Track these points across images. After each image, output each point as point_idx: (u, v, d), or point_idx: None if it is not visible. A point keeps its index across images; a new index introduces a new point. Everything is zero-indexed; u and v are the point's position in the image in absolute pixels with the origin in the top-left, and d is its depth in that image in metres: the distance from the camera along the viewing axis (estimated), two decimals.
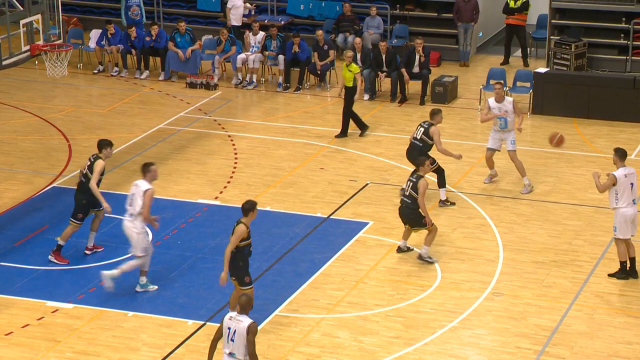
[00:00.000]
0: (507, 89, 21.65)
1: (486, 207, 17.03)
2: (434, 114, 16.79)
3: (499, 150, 17.66)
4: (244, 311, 10.97)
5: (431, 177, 16.53)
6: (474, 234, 16.21)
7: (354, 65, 19.72)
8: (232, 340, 10.88)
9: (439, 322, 13.73)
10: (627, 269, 14.75)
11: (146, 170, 14.39)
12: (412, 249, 15.49)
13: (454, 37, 24.44)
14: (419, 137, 16.70)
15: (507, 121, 17.28)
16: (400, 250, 15.50)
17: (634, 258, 14.77)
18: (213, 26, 25.36)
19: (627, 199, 14.41)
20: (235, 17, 24.17)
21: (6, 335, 13.33)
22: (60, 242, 15.11)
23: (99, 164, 14.99)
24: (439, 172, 16.95)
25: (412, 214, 15.07)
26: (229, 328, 10.93)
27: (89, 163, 15.14)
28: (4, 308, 13.90)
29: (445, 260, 15.36)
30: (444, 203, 16.98)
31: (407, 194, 15.12)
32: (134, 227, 14.19)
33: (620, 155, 14.56)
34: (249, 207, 13.25)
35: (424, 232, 15.19)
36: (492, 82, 19.95)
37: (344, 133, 19.81)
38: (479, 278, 14.88)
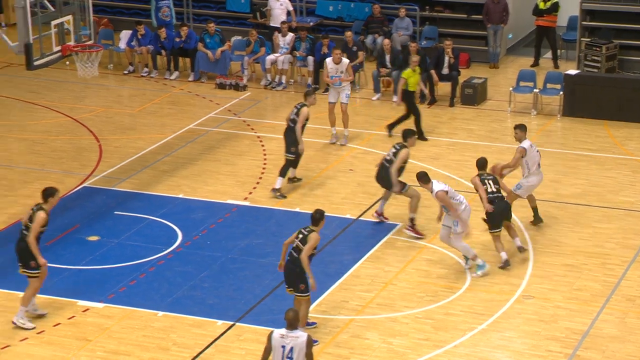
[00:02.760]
0: (537, 90, 21.58)
1: (516, 209, 16.94)
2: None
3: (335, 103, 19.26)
4: (294, 327, 10.83)
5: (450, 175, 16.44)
6: (504, 236, 16.11)
7: (418, 68, 19.72)
8: (290, 357, 10.73)
9: (468, 325, 13.69)
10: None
11: None
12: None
13: (484, 38, 24.36)
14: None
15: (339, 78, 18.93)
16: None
17: (536, 208, 16.18)
18: (242, 27, 25.41)
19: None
20: (273, 19, 24.20)
21: (38, 333, 13.43)
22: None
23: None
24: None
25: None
26: (284, 346, 10.75)
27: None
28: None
29: (475, 263, 15.29)
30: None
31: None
32: None
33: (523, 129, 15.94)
34: (319, 216, 13.25)
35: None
36: (334, 51, 19.86)
37: (422, 136, 19.59)
38: (509, 280, 14.82)
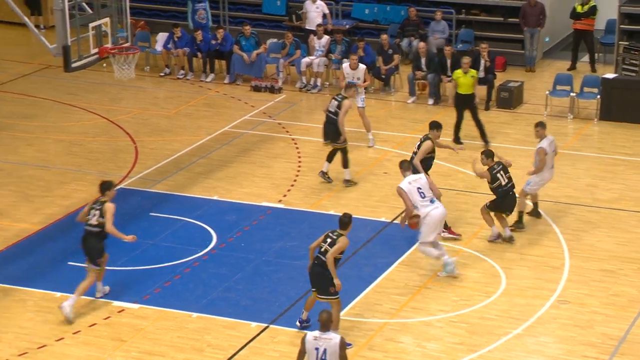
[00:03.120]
0: (574, 94, 21.43)
1: (552, 214, 16.85)
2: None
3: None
4: (327, 328, 10.81)
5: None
6: (539, 240, 16.05)
7: (472, 70, 19.46)
8: (324, 359, 10.75)
9: (503, 329, 13.62)
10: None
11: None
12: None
13: (520, 42, 24.24)
14: (332, 111, 17.39)
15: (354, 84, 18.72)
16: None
17: (537, 203, 16.46)
18: (278, 30, 25.47)
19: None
20: (308, 22, 24.23)
21: (74, 333, 13.52)
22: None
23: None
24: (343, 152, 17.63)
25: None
26: (317, 348, 10.74)
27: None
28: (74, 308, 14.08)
29: (510, 267, 15.23)
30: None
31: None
32: None
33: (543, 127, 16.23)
34: (348, 220, 13.27)
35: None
36: (351, 56, 19.95)
37: (486, 139, 19.42)
38: (544, 285, 14.73)
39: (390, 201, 17.35)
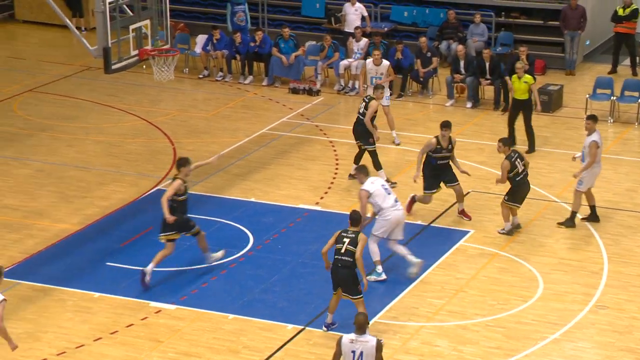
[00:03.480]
0: (615, 98, 21.25)
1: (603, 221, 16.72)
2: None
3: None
4: (363, 330, 10.81)
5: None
6: (578, 245, 15.94)
7: (528, 76, 19.23)
8: None
9: (540, 334, 13.53)
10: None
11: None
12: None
13: (560, 45, 24.08)
14: (361, 112, 17.43)
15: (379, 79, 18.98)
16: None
17: (594, 206, 16.42)
18: (317, 32, 25.50)
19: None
20: (347, 24, 24.24)
21: (111, 334, 13.62)
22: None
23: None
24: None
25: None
26: (353, 351, 10.73)
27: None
28: (110, 307, 14.21)
29: (547, 271, 15.14)
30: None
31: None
32: None
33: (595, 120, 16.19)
34: (359, 216, 13.39)
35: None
36: (374, 52, 19.80)
37: (532, 148, 19.39)
38: (582, 290, 14.62)
39: (427, 204, 17.28)
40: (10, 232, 16.38)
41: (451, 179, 16.50)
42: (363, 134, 17.75)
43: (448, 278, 14.97)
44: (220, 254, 15.27)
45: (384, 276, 14.83)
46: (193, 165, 15.04)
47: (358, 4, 24.20)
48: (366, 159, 17.63)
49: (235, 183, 18.18)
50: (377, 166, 17.80)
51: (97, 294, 14.52)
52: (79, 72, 24.19)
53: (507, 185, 16.08)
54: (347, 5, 24.29)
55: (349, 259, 13.10)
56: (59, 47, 26.07)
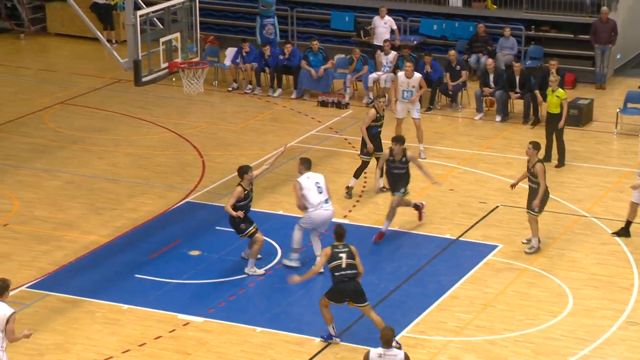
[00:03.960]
0: None
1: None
2: None
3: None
4: (390, 344, 10.91)
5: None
6: (608, 260, 15.83)
7: (561, 90, 19.16)
8: None
9: (570, 350, 13.44)
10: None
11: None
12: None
13: (591, 59, 23.97)
14: None
15: (412, 93, 19.15)
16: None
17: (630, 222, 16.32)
18: (346, 45, 25.54)
19: None
20: (376, 37, 24.26)
21: (140, 346, 13.67)
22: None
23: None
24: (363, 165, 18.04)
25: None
26: None
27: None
28: (138, 319, 14.26)
29: (577, 287, 15.04)
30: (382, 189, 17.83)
31: None
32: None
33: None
34: (343, 231, 13.70)
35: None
36: (406, 64, 19.69)
37: (562, 162, 19.28)
38: (612, 306, 14.51)
39: (455, 218, 17.26)
40: (40, 244, 16.50)
41: (397, 189, 16.57)
42: (363, 143, 18.03)
43: (476, 292, 14.91)
44: (261, 271, 15.42)
45: (295, 264, 15.46)
46: (259, 170, 15.63)
47: (387, 17, 24.21)
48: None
49: (263, 196, 18.21)
50: (356, 174, 18.11)
51: (125, 306, 14.59)
52: (109, 84, 24.35)
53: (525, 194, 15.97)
54: (377, 18, 24.31)
55: (353, 271, 13.33)
56: (90, 59, 26.26)
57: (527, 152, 16.03)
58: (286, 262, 15.48)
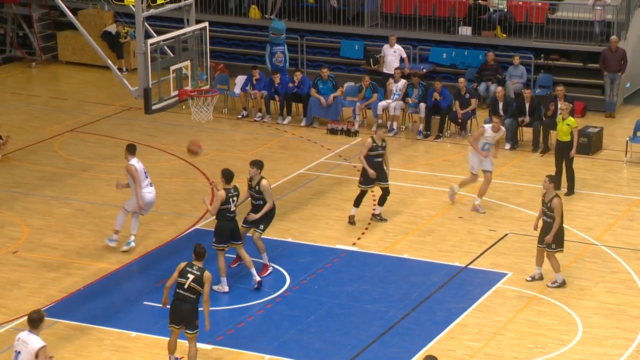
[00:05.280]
0: None
1: (631, 262, 16.54)
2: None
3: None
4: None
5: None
6: (618, 289, 15.77)
7: (571, 118, 19.06)
8: None
9: None
10: None
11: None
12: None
13: (600, 87, 23.99)
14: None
15: (491, 146, 18.78)
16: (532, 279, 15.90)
17: None
18: (355, 73, 25.62)
19: None
20: (386, 65, 24.34)
21: None
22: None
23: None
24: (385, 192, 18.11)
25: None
26: None
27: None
28: (147, 347, 14.23)
29: (587, 315, 14.97)
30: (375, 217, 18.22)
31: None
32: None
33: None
34: (204, 251, 13.51)
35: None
36: (494, 119, 19.19)
37: (571, 190, 19.21)
38: (622, 335, 14.43)
39: (464, 246, 17.23)
40: (50, 271, 16.52)
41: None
42: (363, 172, 18.03)
43: (485, 321, 14.86)
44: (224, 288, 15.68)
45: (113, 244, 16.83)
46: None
47: (397, 46, 24.30)
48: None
49: (273, 223, 18.18)
50: (356, 202, 18.15)
51: (134, 333, 14.56)
52: (119, 112, 24.46)
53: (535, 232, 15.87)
54: (386, 46, 24.40)
55: (192, 295, 13.13)
56: (101, 87, 26.39)
57: (544, 185, 15.75)
58: (112, 244, 16.95)
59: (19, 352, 11.34)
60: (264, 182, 16.01)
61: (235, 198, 15.67)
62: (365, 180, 17.95)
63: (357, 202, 18.16)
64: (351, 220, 18.11)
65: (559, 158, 19.40)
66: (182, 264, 13.36)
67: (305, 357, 13.92)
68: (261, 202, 16.10)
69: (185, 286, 13.20)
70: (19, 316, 15.05)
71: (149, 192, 16.87)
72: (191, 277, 13.20)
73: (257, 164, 16.23)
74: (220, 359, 13.95)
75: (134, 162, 16.79)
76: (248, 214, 16.20)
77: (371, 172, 17.80)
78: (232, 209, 15.56)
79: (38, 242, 17.59)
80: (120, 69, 25.42)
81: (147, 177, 16.91)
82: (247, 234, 16.20)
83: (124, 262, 16.75)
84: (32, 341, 11.32)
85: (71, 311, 15.24)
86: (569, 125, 19.12)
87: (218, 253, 15.61)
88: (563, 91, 21.50)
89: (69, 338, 14.45)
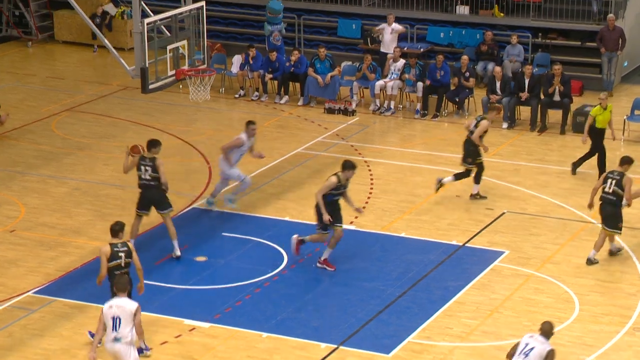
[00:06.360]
0: None
1: (627, 240, 16.56)
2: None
3: None
4: (548, 335, 11.56)
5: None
6: (615, 266, 15.79)
7: (610, 104, 19.03)
8: (526, 354, 11.46)
9: (576, 356, 13.40)
10: None
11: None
12: (597, 261, 15.71)
13: (598, 66, 23.95)
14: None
15: None
16: (590, 262, 15.77)
17: None
18: (353, 52, 25.56)
19: None
20: (383, 45, 24.27)
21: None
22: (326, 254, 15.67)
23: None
24: (480, 168, 17.85)
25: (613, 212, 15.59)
26: (527, 343, 11.55)
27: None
28: (145, 325, 14.15)
29: (583, 293, 15.01)
30: (474, 197, 17.89)
31: (611, 190, 15.54)
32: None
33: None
34: (119, 228, 13.65)
35: None
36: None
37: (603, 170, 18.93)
38: (619, 312, 14.47)
39: (462, 224, 17.24)
40: (47, 250, 16.53)
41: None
42: (471, 152, 17.85)
43: (482, 299, 14.89)
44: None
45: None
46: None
47: (395, 25, 24.23)
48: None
49: (269, 202, 18.23)
50: (476, 179, 18.02)
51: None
52: (116, 91, 24.40)
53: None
54: (384, 25, 24.33)
55: (127, 268, 13.35)
56: (97, 67, 26.33)
57: (620, 167, 15.82)
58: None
59: (118, 318, 12.14)
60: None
61: (148, 167, 15.92)
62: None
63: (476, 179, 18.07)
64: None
65: (599, 145, 19.07)
66: (107, 250, 13.45)
67: (303, 335, 13.95)
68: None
69: (123, 264, 13.40)
70: (17, 294, 15.08)
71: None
72: (122, 254, 13.42)
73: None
74: (218, 336, 13.98)
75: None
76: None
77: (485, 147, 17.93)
78: (142, 177, 15.93)
79: (35, 220, 17.59)
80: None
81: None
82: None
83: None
84: (126, 303, 12.21)
85: (69, 290, 15.26)
86: (611, 111, 18.97)
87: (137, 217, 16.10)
88: (560, 70, 21.49)
89: (67, 316, 14.47)
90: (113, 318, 12.20)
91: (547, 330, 11.65)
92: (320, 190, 15.50)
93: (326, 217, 15.36)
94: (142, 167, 15.95)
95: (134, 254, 13.54)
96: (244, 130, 17.57)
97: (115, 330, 12.18)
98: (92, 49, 27.26)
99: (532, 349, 11.41)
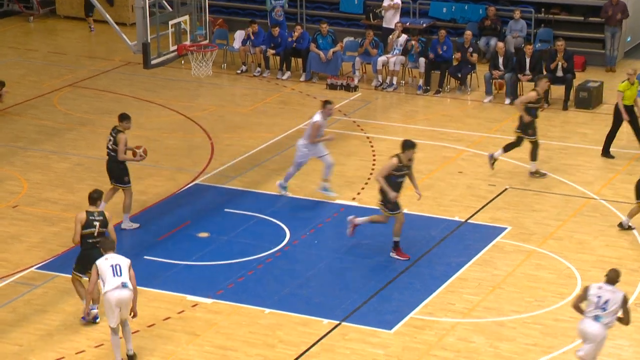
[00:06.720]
0: None
1: (634, 219, 16.56)
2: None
3: None
4: (614, 282, 11.93)
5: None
6: (617, 242, 15.81)
7: (637, 81, 18.93)
8: (604, 308, 11.86)
9: None
10: None
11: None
12: (633, 228, 15.74)
13: (601, 41, 23.87)
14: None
15: None
16: (621, 226, 15.99)
17: None
18: (355, 28, 25.47)
19: None
20: (385, 20, 24.18)
21: (149, 326, 13.71)
22: (396, 239, 15.30)
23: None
24: (535, 145, 17.78)
25: None
26: (599, 297, 11.87)
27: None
28: (147, 301, 14.29)
29: (586, 269, 15.03)
30: (533, 174, 17.85)
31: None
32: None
33: None
34: (98, 196, 13.94)
35: None
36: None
37: (607, 153, 19.01)
38: (621, 288, 14.44)
39: (464, 200, 17.25)
40: (50, 225, 16.55)
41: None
42: (525, 124, 17.83)
43: (485, 275, 14.91)
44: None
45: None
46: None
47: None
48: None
49: (272, 178, 18.22)
50: (532, 156, 17.95)
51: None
52: (118, 67, 24.36)
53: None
54: (386, 0, 24.24)
55: (100, 239, 13.33)
56: (99, 42, 26.26)
57: None
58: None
59: (117, 265, 12.37)
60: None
61: (111, 138, 16.06)
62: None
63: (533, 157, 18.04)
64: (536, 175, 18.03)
65: (633, 120, 18.96)
66: (82, 217, 13.50)
67: (305, 312, 13.99)
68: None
69: (95, 234, 13.46)
70: (20, 270, 15.12)
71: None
72: (97, 223, 13.49)
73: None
74: (221, 312, 14.02)
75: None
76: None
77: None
78: (108, 145, 16.10)
79: (38, 196, 17.61)
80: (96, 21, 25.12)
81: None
82: None
83: (121, 219, 16.76)
84: (120, 257, 12.54)
85: (71, 265, 15.25)
86: (639, 88, 18.94)
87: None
88: (563, 45, 21.43)
89: (70, 292, 14.49)
90: (112, 266, 12.33)
91: (613, 278, 11.94)
92: (380, 171, 15.16)
93: (392, 194, 14.91)
94: (110, 137, 16.15)
95: (110, 225, 13.55)
96: (320, 110, 17.13)
97: (119, 275, 12.28)
98: (94, 24, 27.16)
99: (606, 301, 11.80)
